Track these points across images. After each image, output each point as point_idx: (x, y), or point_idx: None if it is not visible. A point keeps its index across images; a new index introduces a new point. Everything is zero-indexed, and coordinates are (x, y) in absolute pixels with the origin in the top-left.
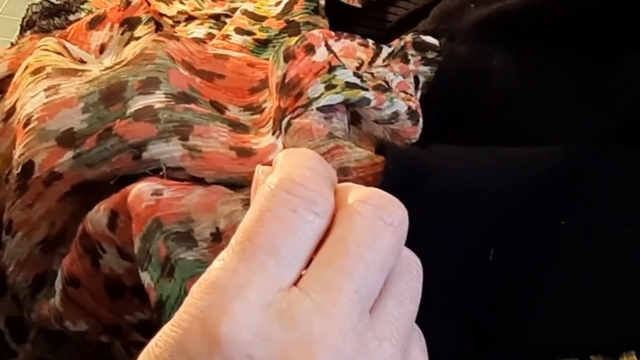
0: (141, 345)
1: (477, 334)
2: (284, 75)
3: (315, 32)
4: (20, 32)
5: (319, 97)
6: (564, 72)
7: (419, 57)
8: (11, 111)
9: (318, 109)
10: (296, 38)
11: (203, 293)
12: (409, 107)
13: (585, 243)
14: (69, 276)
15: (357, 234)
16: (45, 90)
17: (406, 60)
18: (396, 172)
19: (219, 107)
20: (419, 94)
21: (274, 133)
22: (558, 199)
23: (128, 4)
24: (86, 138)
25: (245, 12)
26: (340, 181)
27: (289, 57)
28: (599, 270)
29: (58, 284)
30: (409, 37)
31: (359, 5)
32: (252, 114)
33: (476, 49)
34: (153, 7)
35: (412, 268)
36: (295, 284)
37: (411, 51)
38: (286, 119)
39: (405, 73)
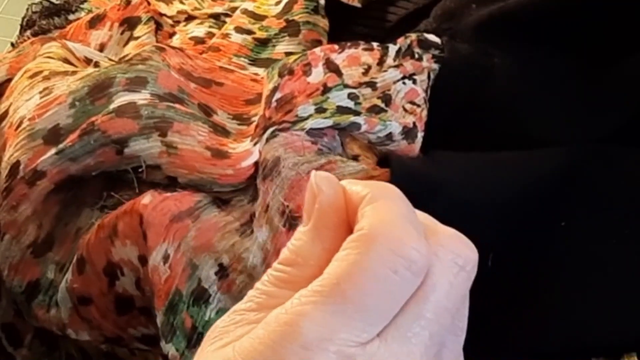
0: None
1: (480, 336)
2: (275, 89)
3: (317, 50)
4: (20, 32)
5: (307, 118)
6: (565, 72)
7: (430, 55)
8: (4, 115)
9: (305, 131)
10: (296, 56)
11: (283, 340)
12: (405, 127)
13: (586, 245)
14: (80, 296)
15: (436, 282)
16: (40, 92)
17: (419, 58)
18: (402, 188)
19: (207, 111)
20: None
21: (252, 139)
22: (559, 203)
23: (128, 3)
24: (70, 133)
25: (245, 11)
26: None
27: (284, 72)
28: (600, 271)
29: (66, 302)
30: (414, 36)
31: (359, 5)
32: (239, 124)
33: (477, 50)
34: (153, 6)
35: (465, 299)
36: None
37: (417, 49)
38: (271, 129)
39: (418, 70)
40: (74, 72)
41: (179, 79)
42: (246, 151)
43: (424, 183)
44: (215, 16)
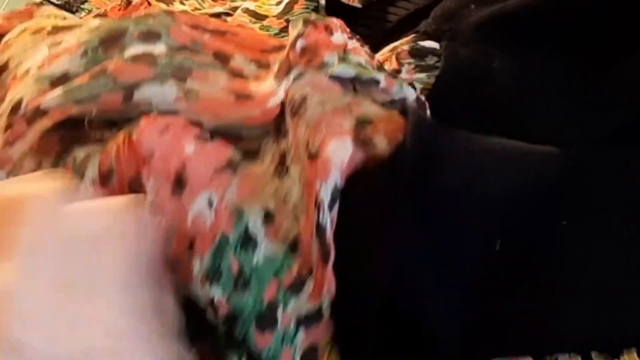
0: None
1: (480, 330)
2: (299, 35)
3: (334, 19)
4: None
5: (332, 65)
6: (565, 73)
7: (413, 65)
8: (3, 68)
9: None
10: (315, 15)
11: None
12: (418, 98)
13: (587, 243)
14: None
15: None
16: (49, 46)
17: (396, 73)
18: (413, 149)
19: (223, 58)
20: None
21: (275, 78)
22: (560, 200)
23: (128, 3)
24: (79, 77)
25: (247, 11)
26: (360, 133)
27: (308, 23)
28: (600, 269)
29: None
30: (405, 46)
31: (359, 5)
32: (257, 67)
33: (477, 51)
34: (153, 7)
35: None
36: None
37: (407, 60)
38: (297, 69)
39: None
40: (79, 25)
41: (191, 33)
42: (271, 92)
43: (434, 151)
44: (216, 16)
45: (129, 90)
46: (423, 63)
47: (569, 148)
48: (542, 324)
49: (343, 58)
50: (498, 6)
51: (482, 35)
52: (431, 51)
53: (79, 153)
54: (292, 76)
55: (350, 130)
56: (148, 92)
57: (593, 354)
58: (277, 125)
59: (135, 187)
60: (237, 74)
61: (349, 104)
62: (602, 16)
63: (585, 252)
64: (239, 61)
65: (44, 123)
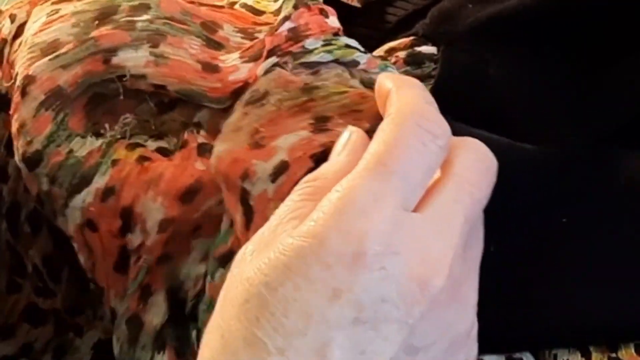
0: None
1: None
2: (286, 18)
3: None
4: None
5: (312, 51)
6: (564, 74)
7: (409, 74)
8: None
9: (305, 64)
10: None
11: (342, 210)
12: None
13: (585, 238)
14: (89, 220)
15: (473, 173)
16: (48, 14)
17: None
18: None
19: (211, 27)
20: None
21: (241, 57)
22: (558, 197)
23: None
24: (67, 45)
25: (244, 6)
26: (320, 126)
27: (299, 5)
28: (599, 264)
29: (75, 218)
30: (401, 53)
31: (358, 5)
32: (242, 37)
33: (474, 57)
34: None
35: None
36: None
37: (404, 68)
38: (271, 60)
39: None
40: None
41: (183, 3)
42: (234, 66)
43: None
44: None
45: (108, 54)
46: (419, 70)
47: (566, 148)
48: (540, 318)
49: (328, 43)
50: (496, 7)
51: (479, 38)
52: (428, 57)
53: (74, 146)
54: (266, 66)
55: (307, 125)
56: (124, 57)
57: (591, 348)
58: None
59: (126, 214)
60: (219, 44)
61: (305, 102)
62: (602, 16)
63: (585, 248)
64: (227, 31)
65: (35, 94)
